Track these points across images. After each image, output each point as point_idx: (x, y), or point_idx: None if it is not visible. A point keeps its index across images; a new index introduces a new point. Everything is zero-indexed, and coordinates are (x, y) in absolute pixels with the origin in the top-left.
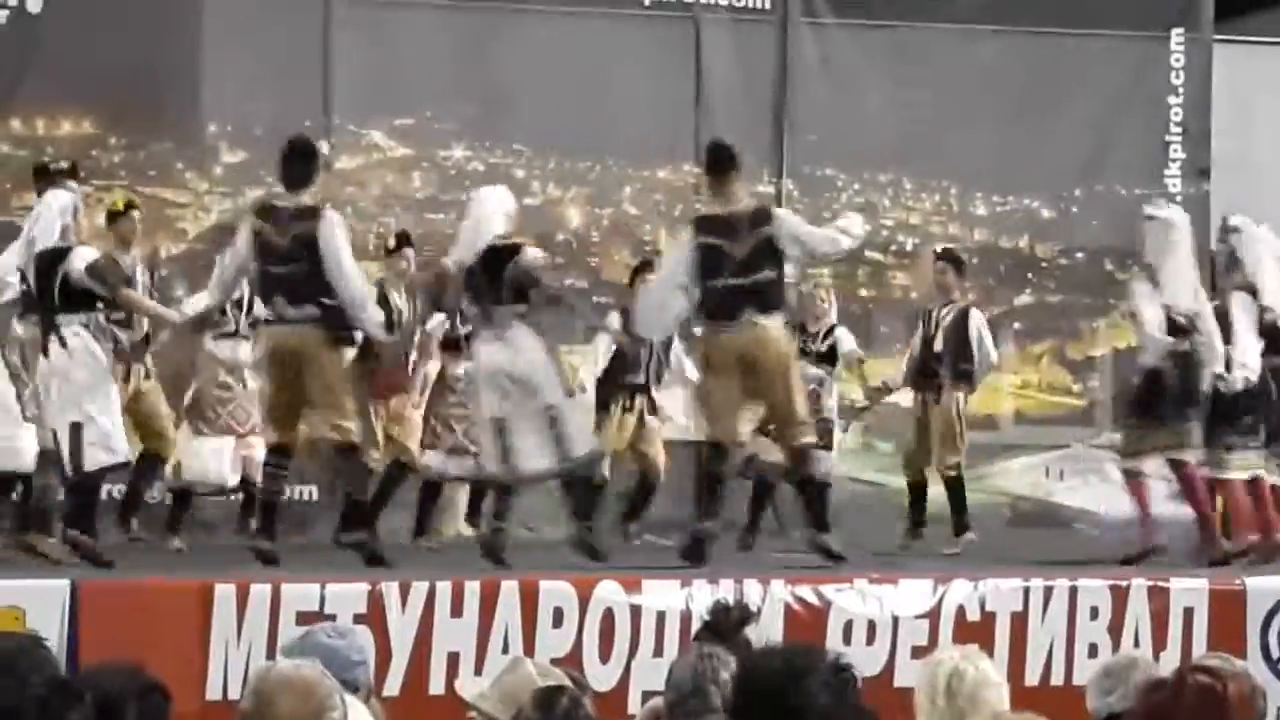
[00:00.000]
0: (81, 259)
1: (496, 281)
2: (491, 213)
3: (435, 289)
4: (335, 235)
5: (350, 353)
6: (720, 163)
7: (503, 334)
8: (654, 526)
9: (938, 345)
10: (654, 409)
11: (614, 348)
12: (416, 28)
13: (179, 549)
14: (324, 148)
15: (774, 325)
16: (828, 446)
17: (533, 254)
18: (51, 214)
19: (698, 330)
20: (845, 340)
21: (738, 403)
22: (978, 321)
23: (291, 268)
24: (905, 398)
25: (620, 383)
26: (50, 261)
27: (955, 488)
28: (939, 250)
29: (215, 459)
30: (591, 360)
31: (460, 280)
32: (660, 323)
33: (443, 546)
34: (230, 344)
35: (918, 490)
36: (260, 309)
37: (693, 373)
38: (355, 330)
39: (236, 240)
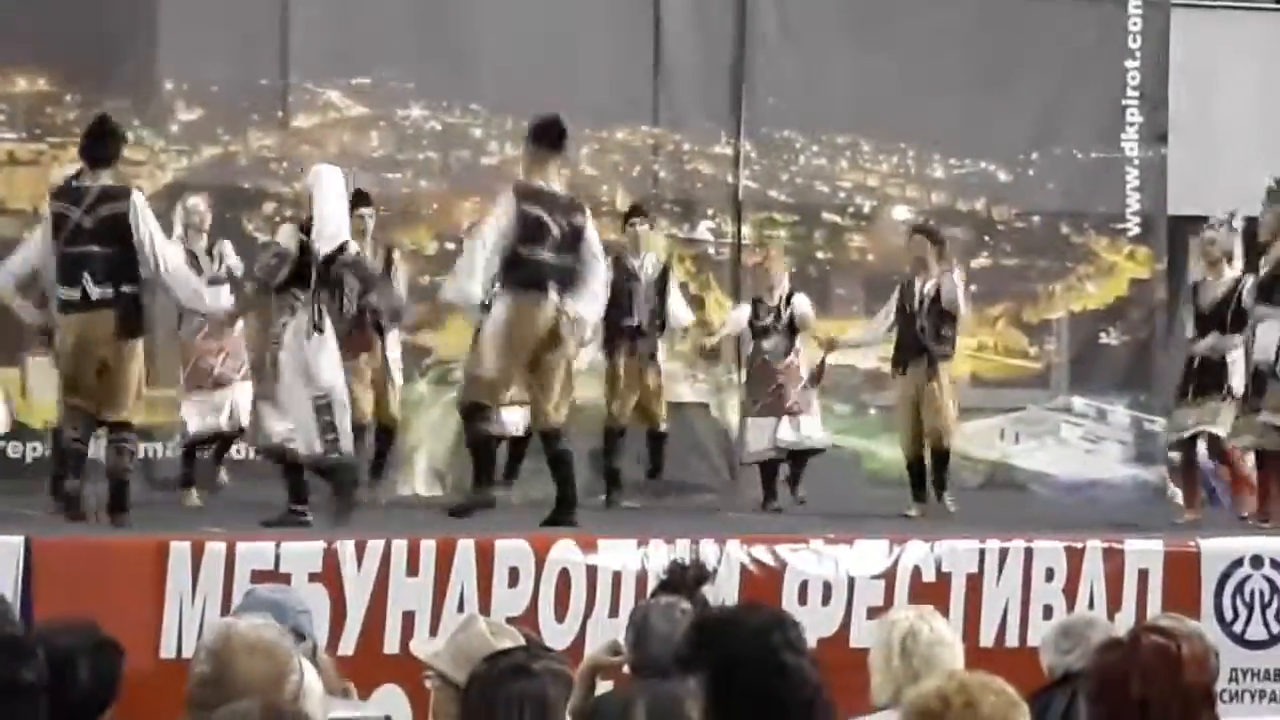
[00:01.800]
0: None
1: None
2: (342, 199)
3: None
4: (146, 217)
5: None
6: (552, 138)
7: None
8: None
9: (921, 321)
10: (653, 359)
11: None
12: None
13: (197, 506)
14: (279, 106)
15: (571, 310)
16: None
17: (354, 248)
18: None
19: (500, 297)
20: (802, 306)
21: (514, 374)
22: (950, 285)
23: (96, 249)
24: (861, 359)
25: (619, 324)
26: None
27: (945, 457)
28: (913, 224)
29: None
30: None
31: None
32: (471, 290)
33: (397, 504)
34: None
35: (918, 466)
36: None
37: (684, 313)
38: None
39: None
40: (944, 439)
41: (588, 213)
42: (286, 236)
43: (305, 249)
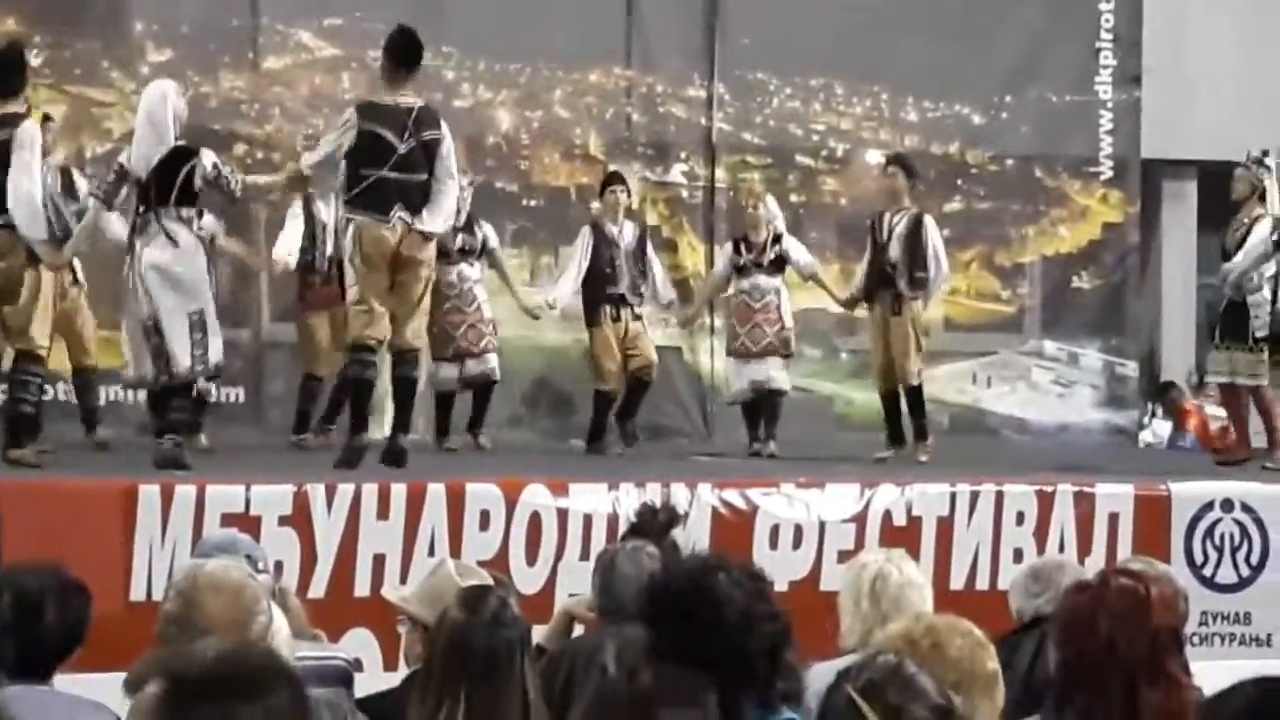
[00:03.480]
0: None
1: (167, 184)
2: (161, 109)
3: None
4: (24, 146)
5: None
6: (401, 52)
7: (167, 236)
8: (581, 432)
9: (892, 253)
10: (637, 316)
11: (589, 257)
12: None
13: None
14: (250, 47)
15: (420, 226)
16: (788, 355)
17: (209, 158)
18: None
19: (349, 221)
20: (797, 251)
21: (385, 300)
22: (932, 230)
23: None
24: (831, 302)
25: (604, 293)
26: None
27: (916, 396)
28: (890, 155)
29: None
30: (575, 269)
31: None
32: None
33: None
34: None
35: (891, 400)
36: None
37: (666, 290)
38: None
39: None
40: (907, 379)
41: (444, 127)
42: (122, 156)
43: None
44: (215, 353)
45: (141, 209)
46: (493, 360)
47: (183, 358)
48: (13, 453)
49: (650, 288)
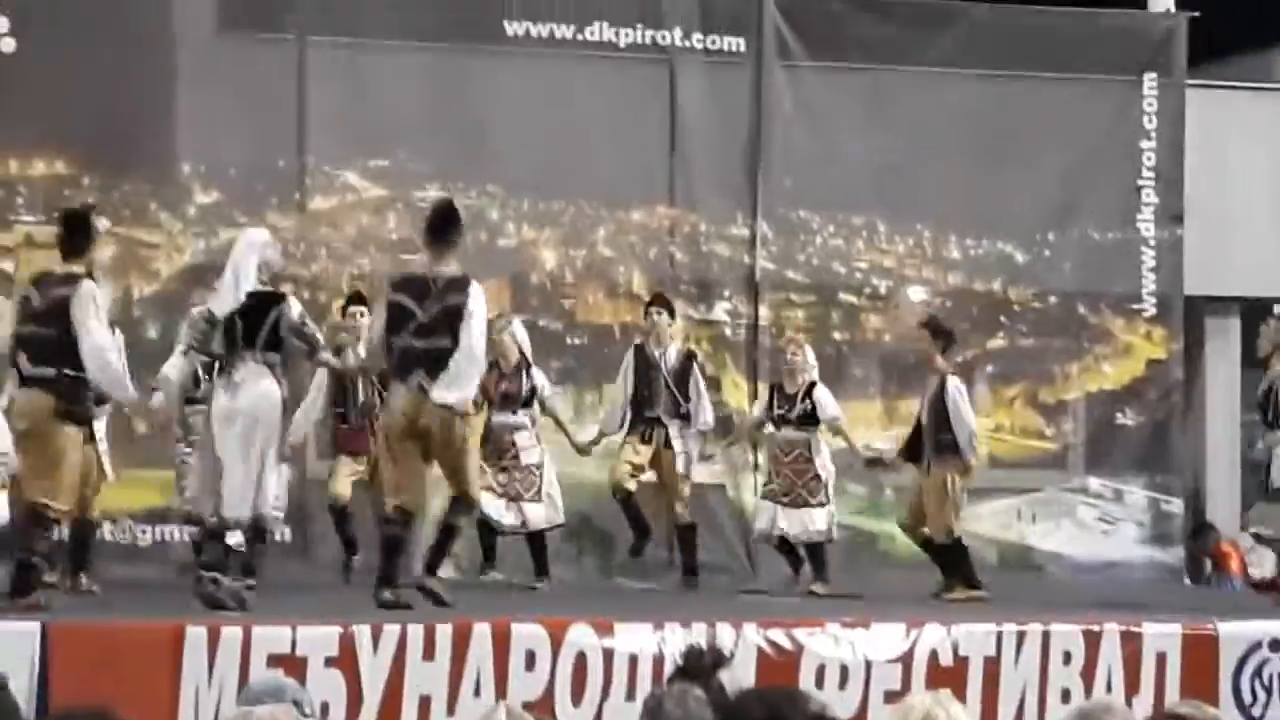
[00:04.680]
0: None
1: (253, 329)
2: (246, 258)
3: None
4: (84, 304)
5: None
6: (431, 227)
7: (244, 379)
8: (629, 569)
9: (923, 418)
10: (668, 442)
11: (631, 379)
12: (391, 69)
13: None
14: (297, 188)
15: (435, 396)
16: (823, 503)
17: (295, 308)
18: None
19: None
20: (826, 405)
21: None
22: (954, 391)
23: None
24: (876, 440)
25: (640, 415)
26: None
27: (945, 553)
28: (921, 319)
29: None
30: (621, 395)
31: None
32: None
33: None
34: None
35: (926, 546)
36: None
37: (706, 414)
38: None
39: None
40: (939, 535)
41: (471, 291)
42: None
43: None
44: (268, 499)
45: (225, 352)
46: (536, 509)
47: (235, 504)
48: (20, 600)
49: (694, 411)
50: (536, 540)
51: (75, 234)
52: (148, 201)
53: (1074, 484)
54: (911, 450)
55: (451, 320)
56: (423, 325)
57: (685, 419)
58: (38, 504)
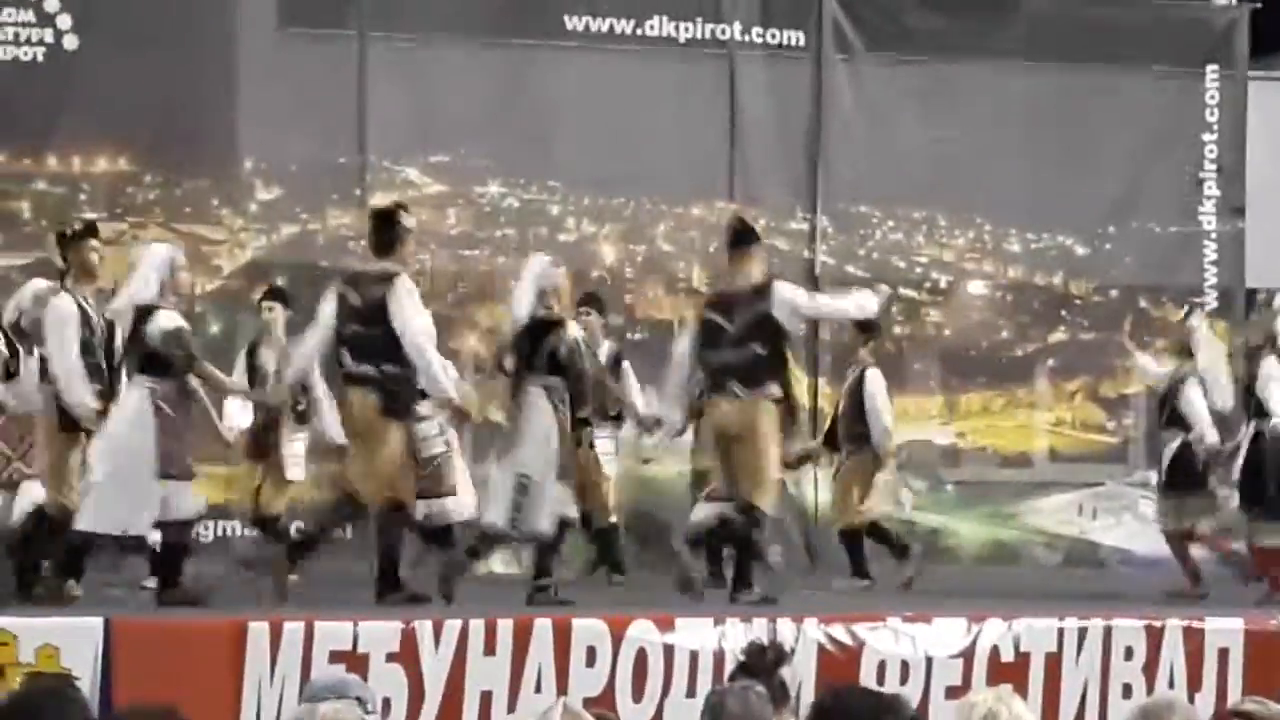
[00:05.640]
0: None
1: (535, 352)
2: (526, 282)
3: None
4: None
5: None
6: (375, 223)
7: (521, 401)
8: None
9: (840, 407)
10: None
11: None
12: (452, 64)
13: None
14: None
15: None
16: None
17: (575, 331)
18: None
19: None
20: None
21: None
22: (871, 384)
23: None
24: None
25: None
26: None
27: (871, 532)
28: None
29: None
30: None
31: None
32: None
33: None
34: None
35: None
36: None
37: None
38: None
39: None
40: (848, 523)
41: (396, 282)
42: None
43: None
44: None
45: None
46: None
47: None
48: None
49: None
50: (606, 536)
51: (383, 230)
52: (209, 198)
53: (1135, 478)
54: (830, 439)
55: (380, 309)
56: (359, 312)
57: (618, 419)
58: (390, 499)
